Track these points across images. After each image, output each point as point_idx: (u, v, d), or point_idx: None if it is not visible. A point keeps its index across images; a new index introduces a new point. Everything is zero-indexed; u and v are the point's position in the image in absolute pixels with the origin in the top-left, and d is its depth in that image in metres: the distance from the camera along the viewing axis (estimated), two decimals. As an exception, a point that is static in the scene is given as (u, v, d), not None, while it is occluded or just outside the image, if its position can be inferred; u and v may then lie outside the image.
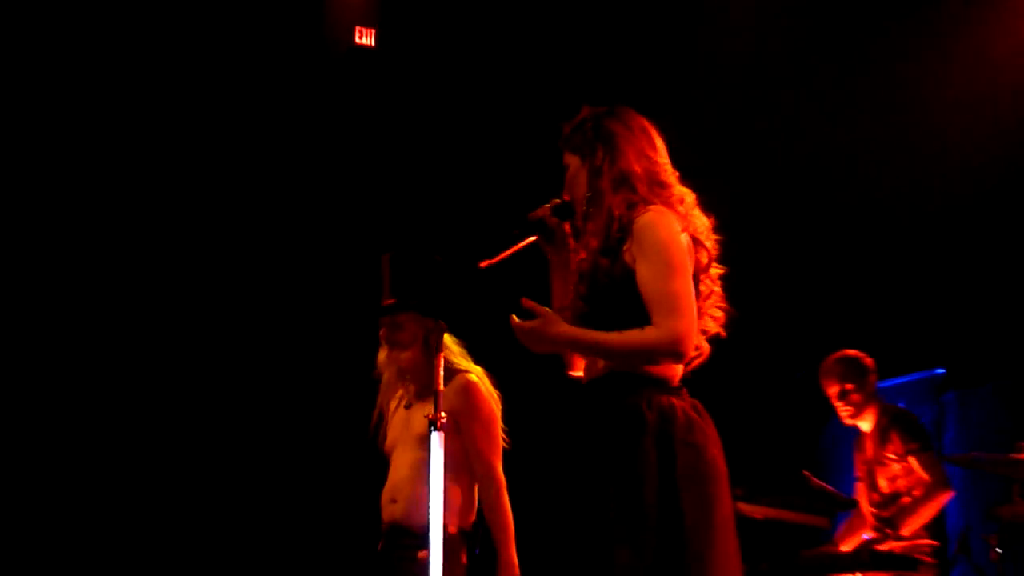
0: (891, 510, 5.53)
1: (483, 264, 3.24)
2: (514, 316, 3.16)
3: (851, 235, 7.01)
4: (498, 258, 3.26)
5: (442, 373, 3.74)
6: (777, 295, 7.00)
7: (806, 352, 6.44)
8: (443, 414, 3.61)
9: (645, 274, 3.08)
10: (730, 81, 6.85)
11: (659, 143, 3.28)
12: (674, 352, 3.05)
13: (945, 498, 5.35)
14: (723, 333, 3.23)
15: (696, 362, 3.21)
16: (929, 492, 5.35)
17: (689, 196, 3.24)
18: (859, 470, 5.77)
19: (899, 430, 5.56)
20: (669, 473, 2.98)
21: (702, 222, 3.21)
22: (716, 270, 3.23)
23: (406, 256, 4.32)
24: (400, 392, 4.50)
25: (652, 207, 3.14)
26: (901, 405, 6.03)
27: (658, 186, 3.19)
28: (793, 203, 7.04)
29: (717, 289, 3.22)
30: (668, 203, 3.17)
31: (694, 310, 3.08)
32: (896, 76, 6.68)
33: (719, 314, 3.22)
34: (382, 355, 4.46)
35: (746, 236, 7.04)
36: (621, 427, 3.06)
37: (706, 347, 3.21)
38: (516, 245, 3.31)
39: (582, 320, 3.17)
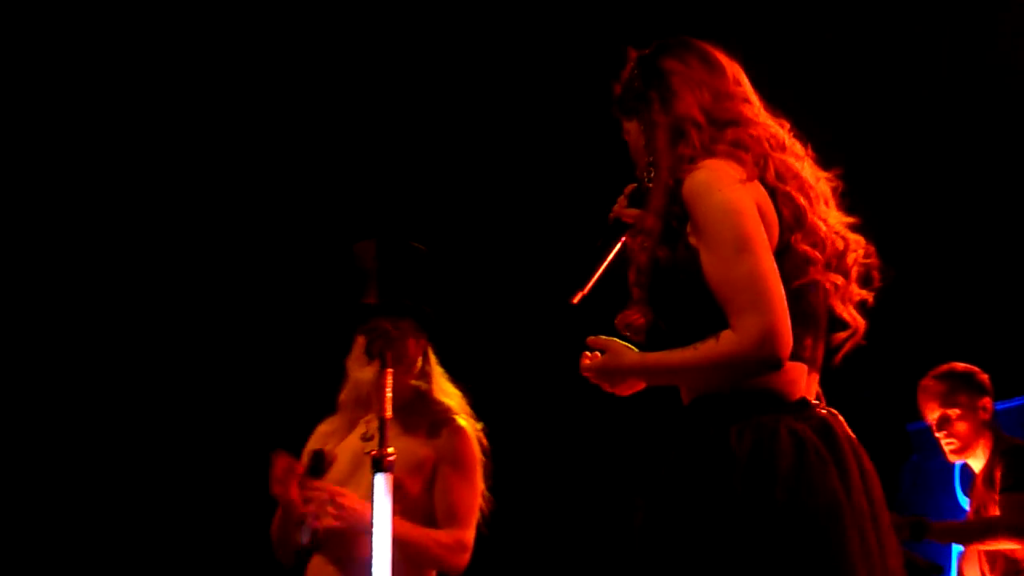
0: None
1: (576, 299, 2.82)
2: (584, 357, 2.83)
3: (951, 223, 6.95)
4: (590, 285, 2.85)
5: (389, 394, 3.55)
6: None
7: (880, 366, 6.27)
8: (391, 450, 3.47)
9: (706, 260, 2.62)
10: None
11: (730, 70, 2.85)
12: (763, 357, 2.56)
13: (1005, 543, 4.94)
14: (869, 300, 2.84)
15: (849, 344, 2.81)
16: (992, 527, 4.95)
17: (776, 130, 2.79)
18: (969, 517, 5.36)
19: (1003, 466, 5.14)
20: (764, 525, 2.54)
21: (796, 166, 2.76)
22: (832, 219, 2.77)
23: (397, 245, 3.96)
24: (361, 417, 4.05)
25: (705, 163, 2.69)
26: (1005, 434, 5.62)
27: (723, 127, 2.75)
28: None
29: (841, 244, 2.77)
30: (734, 148, 2.71)
31: (778, 295, 2.59)
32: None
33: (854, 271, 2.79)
34: (361, 369, 3.98)
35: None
36: (698, 469, 2.61)
37: (860, 322, 2.81)
38: (604, 260, 2.88)
39: (652, 335, 2.80)
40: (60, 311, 6.66)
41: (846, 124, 6.67)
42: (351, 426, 4.08)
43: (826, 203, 2.78)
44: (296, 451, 4.38)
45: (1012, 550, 4.99)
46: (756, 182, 2.68)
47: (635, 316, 2.82)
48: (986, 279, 6.91)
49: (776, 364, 2.58)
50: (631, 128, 2.91)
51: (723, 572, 2.54)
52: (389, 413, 3.53)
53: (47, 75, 6.48)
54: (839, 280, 2.74)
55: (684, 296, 2.67)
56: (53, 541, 6.50)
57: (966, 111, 6.88)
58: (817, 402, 2.72)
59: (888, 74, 6.84)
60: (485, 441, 4.03)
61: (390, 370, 3.60)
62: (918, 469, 6.41)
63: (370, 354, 3.78)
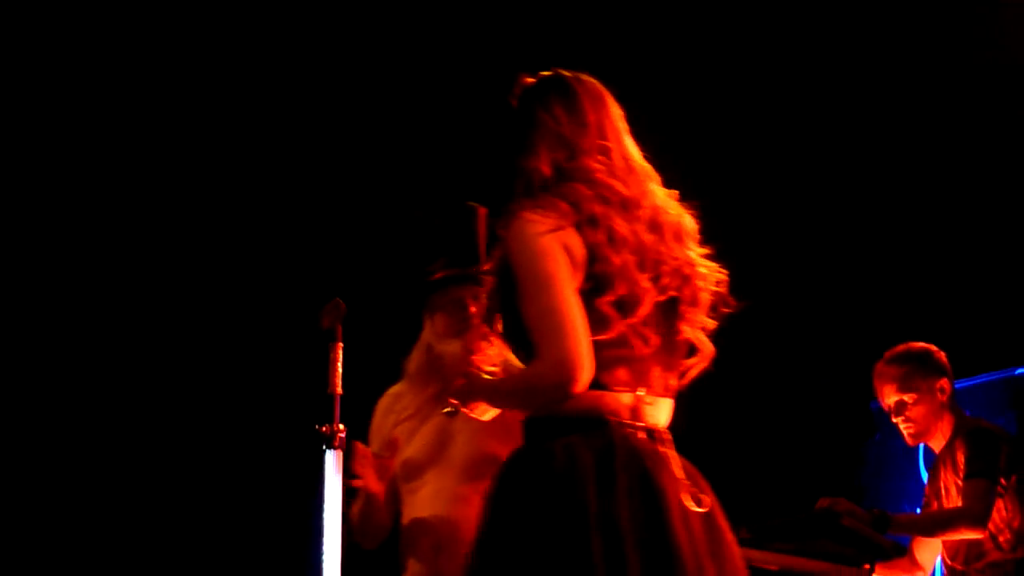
0: (974, 565, 5.10)
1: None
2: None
3: (907, 202, 7.00)
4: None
5: (339, 369, 3.53)
6: (805, 273, 7.01)
7: (840, 345, 6.30)
8: (341, 427, 3.46)
9: (520, 299, 2.90)
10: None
11: (595, 119, 3.07)
12: (558, 383, 2.82)
13: (967, 533, 4.92)
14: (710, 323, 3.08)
15: (696, 370, 3.06)
16: (954, 517, 4.94)
17: (620, 188, 2.98)
18: (927, 503, 5.33)
19: (966, 450, 5.12)
20: (512, 536, 2.85)
21: (633, 222, 2.96)
22: (686, 253, 3.02)
23: (459, 210, 3.86)
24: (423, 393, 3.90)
25: (523, 212, 2.93)
26: (967, 413, 5.61)
27: (563, 181, 2.98)
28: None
29: (691, 275, 3.01)
30: (559, 199, 2.93)
31: (571, 327, 2.82)
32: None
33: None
34: (447, 342, 3.82)
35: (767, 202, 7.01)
36: (503, 484, 2.93)
37: (708, 348, 3.05)
38: None
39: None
40: (59, 310, 6.67)
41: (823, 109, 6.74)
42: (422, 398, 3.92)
43: (679, 240, 3.00)
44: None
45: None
46: (570, 231, 2.90)
47: (486, 352, 3.09)
48: (950, 256, 6.96)
49: (569, 388, 2.81)
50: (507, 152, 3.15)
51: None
52: (339, 389, 3.50)
53: (30, 76, 6.51)
54: (650, 335, 2.91)
55: (516, 333, 2.93)
56: (53, 541, 6.52)
57: (920, 97, 6.98)
58: (629, 423, 2.91)
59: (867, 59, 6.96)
60: None
61: (339, 344, 3.56)
62: (882, 448, 6.40)
63: (320, 328, 3.71)
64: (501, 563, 2.83)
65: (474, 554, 2.91)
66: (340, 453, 3.46)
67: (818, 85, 6.98)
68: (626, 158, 3.03)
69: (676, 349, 3.01)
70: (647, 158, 3.11)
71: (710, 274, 3.03)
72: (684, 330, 2.99)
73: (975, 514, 4.89)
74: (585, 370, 2.81)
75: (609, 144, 3.03)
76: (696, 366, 3.04)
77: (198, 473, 6.64)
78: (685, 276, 2.98)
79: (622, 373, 2.92)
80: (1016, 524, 4.98)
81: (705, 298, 3.01)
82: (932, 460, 5.27)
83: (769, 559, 4.83)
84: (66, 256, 6.67)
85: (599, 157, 3.00)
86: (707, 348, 3.03)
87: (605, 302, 2.87)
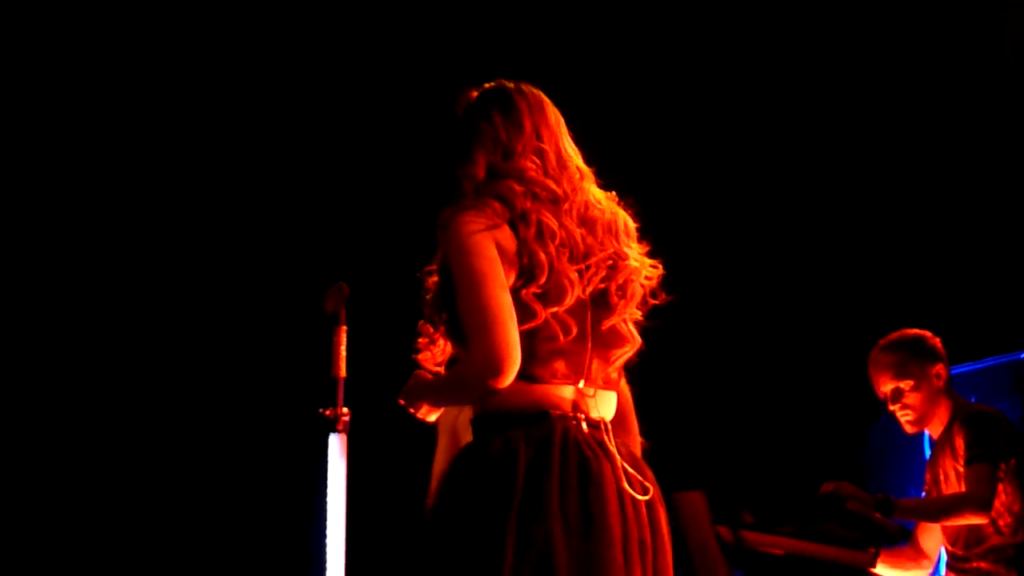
0: (975, 550, 5.09)
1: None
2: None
3: (912, 187, 6.98)
4: None
5: (343, 352, 3.59)
6: (809, 258, 7.00)
7: (845, 328, 6.28)
8: (345, 410, 3.50)
9: (455, 297, 3.03)
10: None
11: (530, 123, 3.23)
12: (483, 377, 2.92)
13: (971, 518, 4.91)
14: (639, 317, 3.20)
15: (622, 359, 3.15)
16: (958, 502, 4.93)
17: (553, 187, 3.14)
18: (928, 490, 5.31)
19: (966, 435, 5.10)
20: (444, 524, 2.98)
21: (562, 218, 3.11)
22: (618, 247, 3.15)
23: None
24: None
25: (455, 212, 3.07)
26: (972, 399, 5.58)
27: (497, 181, 3.13)
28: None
29: (623, 269, 3.14)
30: (491, 199, 3.08)
31: (500, 323, 2.94)
32: None
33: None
34: None
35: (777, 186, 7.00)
36: (449, 476, 3.04)
37: (636, 340, 3.15)
38: None
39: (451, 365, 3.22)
40: (61, 299, 6.69)
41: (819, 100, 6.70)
42: None
43: (614, 235, 3.14)
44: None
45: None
46: (503, 228, 3.03)
47: (431, 350, 3.21)
48: (955, 241, 6.95)
49: (494, 381, 2.91)
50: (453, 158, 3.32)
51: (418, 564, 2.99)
52: (343, 372, 3.53)
53: (29, 76, 6.57)
54: (571, 325, 3.02)
55: (455, 330, 3.04)
56: (53, 541, 6.54)
57: (921, 83, 7.00)
58: (570, 415, 3.03)
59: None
60: None
61: (343, 328, 3.58)
62: (886, 432, 6.39)
63: (324, 312, 3.75)
64: (431, 550, 2.96)
65: (413, 542, 3.03)
66: (344, 437, 3.46)
67: (814, 75, 7.02)
68: (561, 159, 3.18)
69: (610, 341, 3.11)
70: (592, 161, 3.25)
71: (641, 268, 3.16)
72: (613, 321, 3.10)
73: (980, 499, 4.87)
74: (510, 363, 2.91)
75: (544, 146, 3.17)
76: (623, 356, 3.13)
77: (202, 457, 6.65)
78: (615, 269, 3.11)
79: (560, 366, 3.04)
80: (1016, 508, 4.97)
81: (635, 291, 3.13)
82: (934, 446, 5.27)
83: (774, 543, 4.84)
84: (69, 244, 6.69)
85: (532, 158, 3.15)
86: (635, 339, 3.13)
87: (530, 293, 2.99)
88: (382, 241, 6.22)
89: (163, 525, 6.61)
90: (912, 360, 5.08)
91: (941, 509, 5.00)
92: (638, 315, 3.16)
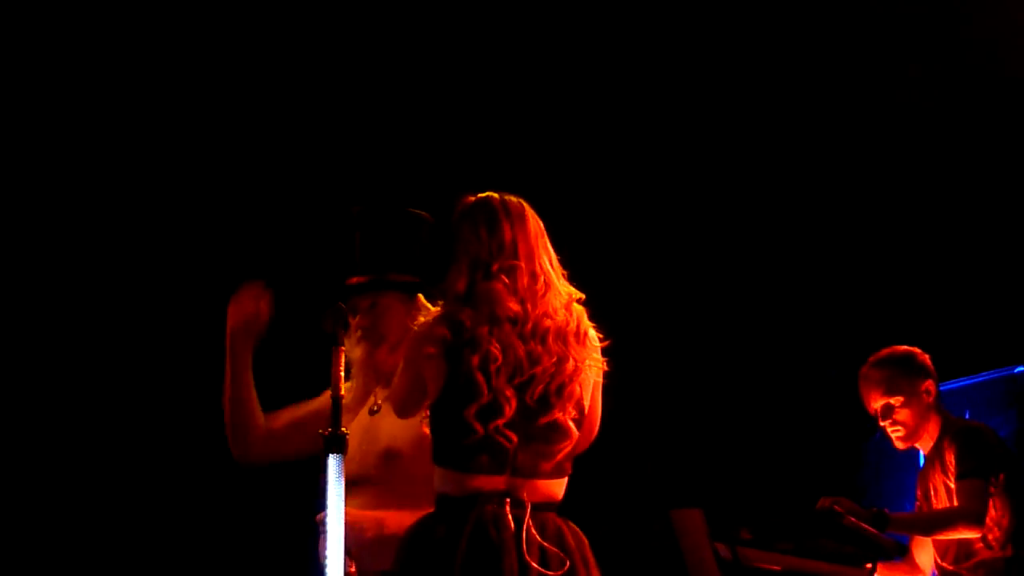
0: (964, 564, 5.10)
1: None
2: None
3: (907, 201, 7.01)
4: None
5: (341, 373, 3.56)
6: (806, 275, 7.00)
7: (841, 344, 6.28)
8: (344, 430, 3.50)
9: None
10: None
11: (510, 237, 3.67)
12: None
13: (965, 532, 4.96)
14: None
15: (562, 455, 3.60)
16: (952, 517, 4.98)
17: (514, 308, 3.60)
18: (918, 506, 5.33)
19: (957, 450, 5.13)
20: None
21: (513, 337, 3.59)
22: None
23: (384, 213, 4.02)
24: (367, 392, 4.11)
25: (426, 316, 3.71)
26: (967, 415, 5.61)
27: (468, 297, 3.63)
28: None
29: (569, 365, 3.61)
30: (449, 316, 3.61)
31: (397, 401, 3.72)
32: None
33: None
34: (353, 349, 4.06)
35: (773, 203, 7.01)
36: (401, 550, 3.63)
37: (574, 434, 3.61)
38: None
39: None
40: (62, 320, 6.70)
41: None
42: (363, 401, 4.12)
43: (564, 340, 3.62)
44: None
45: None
46: (437, 358, 3.58)
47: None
48: (950, 255, 6.99)
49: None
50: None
51: None
52: (343, 391, 3.52)
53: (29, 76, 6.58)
54: (512, 436, 3.54)
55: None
56: (51, 540, 6.55)
57: (916, 93, 7.03)
58: (495, 499, 3.55)
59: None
60: None
61: (342, 348, 3.56)
62: (882, 447, 6.38)
63: (323, 332, 3.77)
64: None
65: None
66: (342, 457, 3.46)
67: (811, 95, 7.05)
68: (533, 274, 3.65)
69: (549, 437, 3.58)
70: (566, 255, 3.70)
71: (584, 368, 3.62)
72: (555, 418, 3.56)
73: (973, 513, 4.92)
74: (403, 415, 3.73)
75: (520, 263, 3.64)
76: (563, 449, 3.59)
77: (201, 476, 6.61)
78: (557, 373, 3.59)
79: (484, 461, 3.54)
80: (1005, 523, 5.01)
81: (572, 391, 3.60)
82: (925, 462, 5.28)
83: (771, 559, 4.85)
84: (73, 262, 6.70)
85: (504, 279, 3.62)
86: (573, 434, 3.59)
87: (471, 412, 3.52)
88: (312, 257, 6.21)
89: (162, 543, 6.62)
90: (902, 376, 5.12)
91: (935, 523, 5.04)
92: (574, 413, 3.60)
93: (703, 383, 6.94)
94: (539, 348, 3.59)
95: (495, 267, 3.64)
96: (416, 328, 3.65)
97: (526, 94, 7.02)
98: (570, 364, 3.62)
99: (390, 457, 3.82)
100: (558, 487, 3.63)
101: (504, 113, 7.01)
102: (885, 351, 5.18)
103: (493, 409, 3.53)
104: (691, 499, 4.94)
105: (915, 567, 5.25)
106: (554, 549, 3.53)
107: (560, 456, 3.60)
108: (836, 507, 4.80)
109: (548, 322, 3.62)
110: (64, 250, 6.69)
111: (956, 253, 6.95)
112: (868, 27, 6.87)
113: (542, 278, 3.67)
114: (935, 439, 5.14)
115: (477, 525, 3.52)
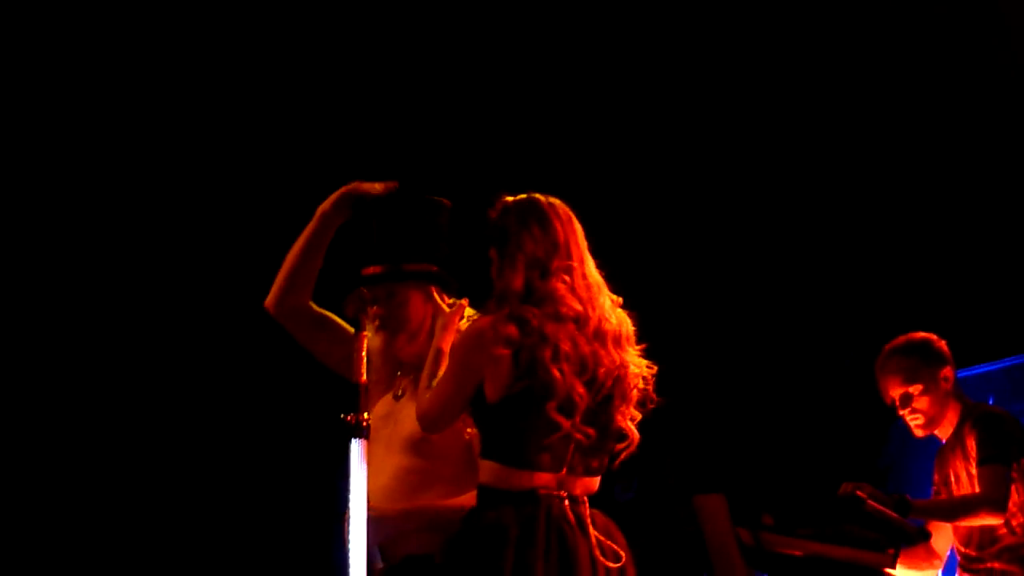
0: (988, 550, 5.10)
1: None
2: None
3: (929, 183, 6.99)
4: None
5: (364, 358, 3.55)
6: (823, 264, 7.01)
7: (859, 332, 6.27)
8: (366, 415, 3.49)
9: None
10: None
11: (563, 237, 3.67)
12: (420, 421, 3.70)
13: (988, 519, 4.94)
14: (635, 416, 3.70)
15: (624, 454, 3.67)
16: (974, 503, 4.96)
17: (574, 307, 3.61)
18: (936, 491, 5.32)
19: (978, 436, 5.12)
20: None
21: (577, 335, 3.59)
22: (620, 354, 3.64)
23: (400, 201, 3.96)
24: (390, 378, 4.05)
25: (477, 318, 3.67)
26: (990, 400, 5.59)
27: (528, 299, 3.62)
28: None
29: (623, 375, 3.64)
30: (509, 320, 3.57)
31: (440, 405, 3.65)
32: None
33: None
34: (371, 338, 3.89)
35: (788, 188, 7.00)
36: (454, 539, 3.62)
37: (635, 435, 3.67)
38: None
39: None
40: (86, 309, 6.78)
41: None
42: (387, 386, 4.06)
43: (616, 344, 3.65)
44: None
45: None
46: (502, 356, 3.56)
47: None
48: (970, 239, 6.98)
49: (425, 427, 3.71)
50: (492, 256, 3.72)
51: None
52: (364, 378, 3.50)
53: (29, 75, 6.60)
54: (590, 432, 3.60)
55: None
56: (53, 541, 6.61)
57: (925, 85, 7.07)
58: (554, 494, 3.59)
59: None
60: None
61: (365, 334, 3.55)
62: (904, 433, 6.36)
63: (346, 319, 3.78)
64: None
65: None
66: (365, 443, 3.45)
67: (819, 82, 7.09)
68: (585, 276, 3.66)
69: (607, 437, 3.64)
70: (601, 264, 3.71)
71: (640, 372, 3.66)
72: (617, 420, 3.64)
73: (995, 499, 4.91)
74: (432, 425, 3.67)
75: (573, 264, 3.65)
76: (626, 451, 3.67)
77: (225, 462, 6.70)
78: (618, 377, 3.63)
79: (545, 459, 3.57)
80: (1028, 508, 5.02)
81: (634, 394, 3.66)
82: (941, 448, 5.27)
83: (793, 545, 4.84)
84: (96, 254, 6.77)
85: (564, 277, 3.63)
86: (634, 436, 3.66)
87: (551, 407, 3.54)
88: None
89: (186, 530, 6.66)
90: (921, 365, 5.11)
91: (957, 509, 5.03)
92: (637, 415, 3.66)
93: (726, 371, 6.94)
94: (601, 350, 3.61)
95: (553, 266, 3.64)
96: (469, 331, 3.63)
97: (531, 91, 7.07)
98: (627, 368, 3.64)
99: (419, 442, 3.77)
100: (598, 482, 3.68)
101: (516, 107, 7.07)
102: (901, 339, 5.17)
103: (567, 406, 3.56)
104: (714, 485, 4.94)
105: (932, 552, 5.23)
106: (608, 542, 3.59)
107: (615, 457, 3.66)
108: (858, 492, 4.78)
109: (607, 325, 3.64)
110: (74, 246, 6.76)
111: (978, 239, 6.94)
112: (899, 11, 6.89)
113: (594, 280, 3.69)
114: (954, 425, 5.13)
115: (549, 522, 3.55)
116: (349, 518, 3.44)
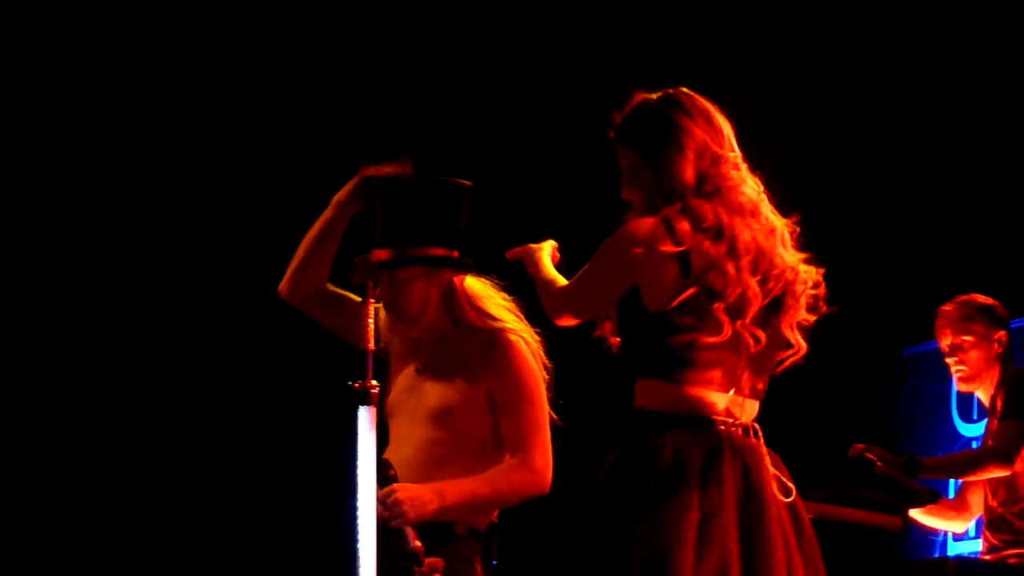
0: (1012, 509, 5.11)
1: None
2: None
3: (952, 146, 6.98)
4: None
5: (371, 325, 3.50)
6: (832, 225, 6.87)
7: (873, 291, 6.26)
8: (374, 383, 3.44)
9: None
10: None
11: (725, 131, 3.37)
12: (553, 316, 3.42)
13: (995, 471, 5.01)
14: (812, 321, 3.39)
15: (788, 362, 3.36)
16: (981, 456, 5.09)
17: (746, 196, 3.30)
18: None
19: (1004, 395, 5.15)
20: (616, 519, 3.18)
21: (751, 228, 3.28)
22: (788, 257, 3.31)
23: (406, 181, 3.82)
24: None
25: (636, 217, 3.32)
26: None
27: (699, 193, 3.29)
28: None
29: (792, 277, 3.30)
30: (681, 215, 3.25)
31: (581, 302, 3.36)
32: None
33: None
34: (382, 320, 3.88)
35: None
36: (618, 470, 3.24)
37: (802, 345, 3.34)
38: None
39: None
40: (92, 289, 6.74)
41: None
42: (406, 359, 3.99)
43: (784, 245, 3.31)
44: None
45: (1010, 477, 5.09)
46: (667, 245, 3.21)
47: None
48: (994, 201, 6.95)
49: (556, 321, 3.39)
50: (627, 158, 3.39)
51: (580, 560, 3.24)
52: (371, 344, 3.46)
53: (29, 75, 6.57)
54: (759, 335, 3.24)
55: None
56: (53, 541, 6.58)
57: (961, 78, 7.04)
58: (729, 420, 3.25)
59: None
60: (542, 354, 3.87)
61: (371, 301, 3.49)
62: (915, 395, 6.39)
63: (351, 284, 3.75)
64: (607, 545, 3.16)
65: (580, 532, 3.23)
66: (373, 410, 3.42)
67: (855, 64, 7.09)
68: (740, 167, 3.34)
69: (775, 345, 3.32)
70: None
71: (808, 276, 3.33)
72: (783, 328, 3.30)
73: (1002, 452, 5.00)
74: (565, 322, 3.37)
75: (733, 153, 3.34)
76: (790, 360, 3.35)
77: (231, 429, 6.71)
78: (788, 279, 3.29)
79: (716, 375, 3.25)
80: (1052, 469, 5.05)
81: (803, 299, 3.32)
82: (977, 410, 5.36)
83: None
84: (98, 240, 6.76)
85: (736, 164, 3.33)
86: (801, 345, 3.33)
87: (719, 308, 3.19)
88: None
89: (193, 498, 6.67)
90: (979, 319, 5.22)
91: (966, 463, 5.16)
92: (807, 319, 3.35)
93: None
94: (773, 249, 3.29)
95: (722, 154, 3.32)
96: (631, 227, 3.28)
97: (543, 83, 7.05)
98: (796, 270, 3.31)
99: (443, 415, 3.72)
100: (758, 408, 3.37)
101: (540, 96, 7.05)
102: (967, 295, 5.30)
103: (739, 305, 3.21)
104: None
105: (964, 504, 5.34)
106: (783, 479, 3.28)
107: (777, 369, 3.36)
108: (868, 455, 4.83)
109: (777, 220, 3.34)
110: (72, 246, 6.73)
111: (1001, 200, 6.92)
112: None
113: (753, 198, 3.35)
114: (994, 388, 5.22)
115: (734, 454, 3.21)
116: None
